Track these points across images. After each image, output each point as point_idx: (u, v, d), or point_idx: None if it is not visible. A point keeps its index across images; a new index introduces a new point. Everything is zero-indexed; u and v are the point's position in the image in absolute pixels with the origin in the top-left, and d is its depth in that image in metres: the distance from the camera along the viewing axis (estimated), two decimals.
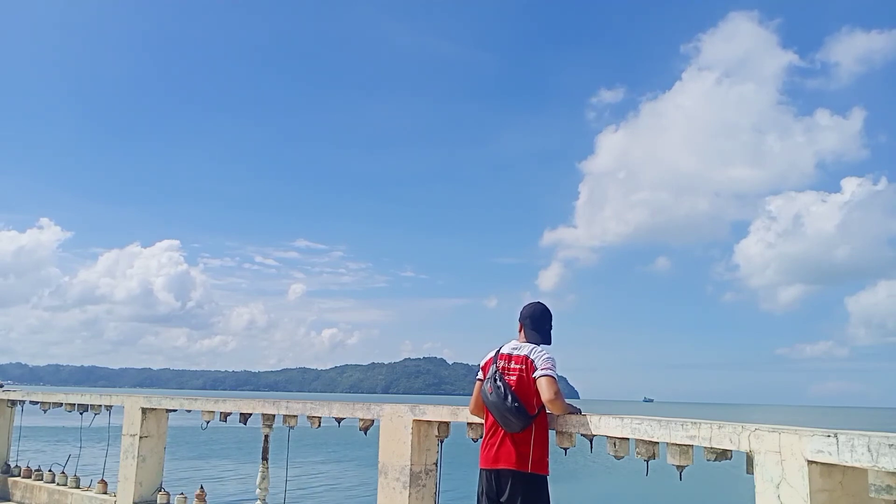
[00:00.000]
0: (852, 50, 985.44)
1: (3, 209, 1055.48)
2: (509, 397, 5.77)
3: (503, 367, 6.01)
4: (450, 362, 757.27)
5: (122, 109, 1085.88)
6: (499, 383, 5.87)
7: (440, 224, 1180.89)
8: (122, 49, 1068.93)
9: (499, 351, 6.18)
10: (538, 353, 5.97)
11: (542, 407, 5.92)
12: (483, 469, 6.02)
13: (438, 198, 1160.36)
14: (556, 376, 5.85)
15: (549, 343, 6.20)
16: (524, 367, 5.93)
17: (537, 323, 6.25)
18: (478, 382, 6.24)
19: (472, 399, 6.41)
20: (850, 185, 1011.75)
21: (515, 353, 6.06)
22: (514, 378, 5.92)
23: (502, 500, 5.81)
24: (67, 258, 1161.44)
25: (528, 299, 6.50)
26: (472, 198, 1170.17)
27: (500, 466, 5.86)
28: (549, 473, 5.92)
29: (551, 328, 6.31)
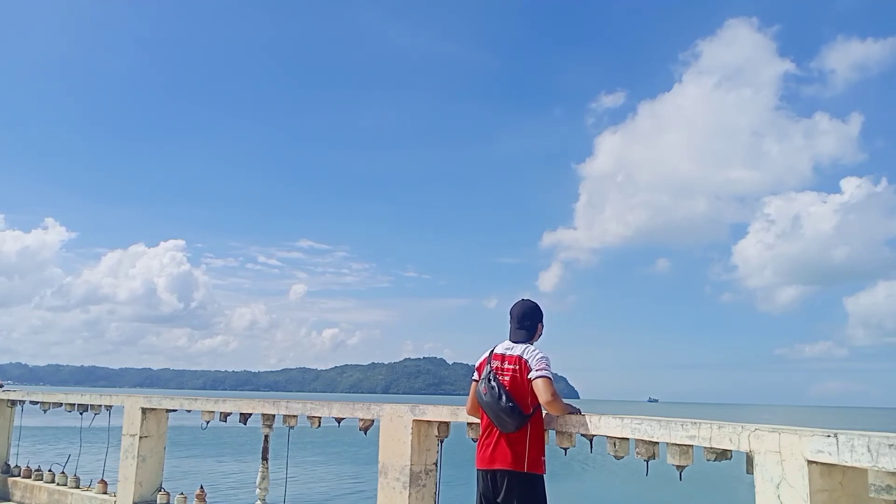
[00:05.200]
0: (848, 57, 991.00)
1: (8, 209, 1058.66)
2: (503, 397, 5.77)
3: (497, 368, 6.01)
4: (450, 362, 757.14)
5: (127, 110, 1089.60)
6: (493, 383, 5.87)
7: (442, 224, 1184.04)
8: (126, 50, 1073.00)
9: (492, 351, 6.18)
10: (532, 353, 5.97)
11: (538, 406, 5.93)
12: (479, 469, 6.04)
13: (440, 198, 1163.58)
14: (551, 377, 5.85)
15: (532, 340, 6.19)
16: (518, 367, 5.93)
17: (521, 321, 6.25)
18: (473, 383, 6.24)
19: (469, 400, 6.42)
20: (850, 185, 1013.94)
21: (509, 353, 6.06)
22: (507, 378, 5.92)
23: (499, 500, 5.83)
24: (71, 258, 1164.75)
25: None
26: (474, 198, 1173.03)
27: (496, 467, 5.87)
28: (546, 473, 5.93)
29: (537, 324, 6.29)
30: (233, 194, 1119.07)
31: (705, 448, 4.89)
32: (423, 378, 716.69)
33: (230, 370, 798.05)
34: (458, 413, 7.25)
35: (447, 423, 7.74)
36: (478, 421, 6.44)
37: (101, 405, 12.39)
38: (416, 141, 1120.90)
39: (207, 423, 10.30)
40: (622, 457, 5.82)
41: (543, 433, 6.02)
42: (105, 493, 11.84)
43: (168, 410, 11.19)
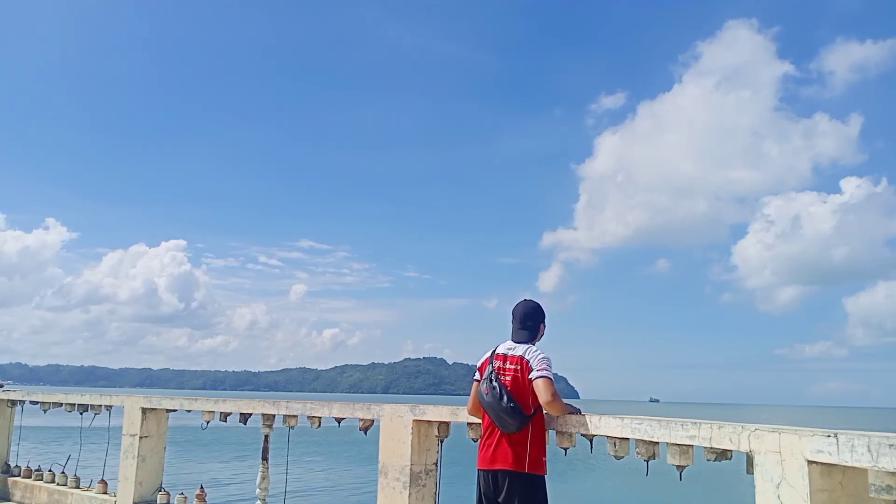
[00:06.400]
0: (847, 59, 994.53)
1: (8, 209, 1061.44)
2: (504, 397, 5.76)
3: (499, 368, 6.00)
4: (450, 362, 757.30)
5: (128, 111, 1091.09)
6: (494, 384, 5.86)
7: (443, 224, 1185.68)
8: (126, 51, 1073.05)
9: (494, 351, 6.17)
10: (533, 354, 5.95)
11: (539, 407, 5.92)
12: (480, 469, 6.03)
13: (440, 198, 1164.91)
14: (552, 377, 5.84)
15: (534, 340, 6.18)
16: (519, 367, 5.92)
17: (524, 321, 6.23)
18: (474, 383, 6.24)
19: (470, 400, 6.42)
20: (850, 185, 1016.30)
21: (510, 353, 6.05)
22: (509, 378, 5.91)
23: (500, 500, 5.82)
24: (72, 258, 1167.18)
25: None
26: (474, 198, 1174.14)
27: (497, 467, 5.86)
28: (547, 473, 5.92)
29: (539, 325, 6.27)
30: (233, 194, 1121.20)
31: (705, 448, 4.89)
32: (423, 378, 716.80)
33: (230, 370, 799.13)
34: (459, 413, 7.25)
35: (447, 423, 7.74)
36: (478, 421, 6.45)
37: (101, 405, 12.40)
38: (416, 141, 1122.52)
39: (207, 423, 10.30)
40: (622, 457, 5.83)
41: (545, 433, 6.00)
42: (105, 493, 11.85)
43: (168, 410, 11.20)
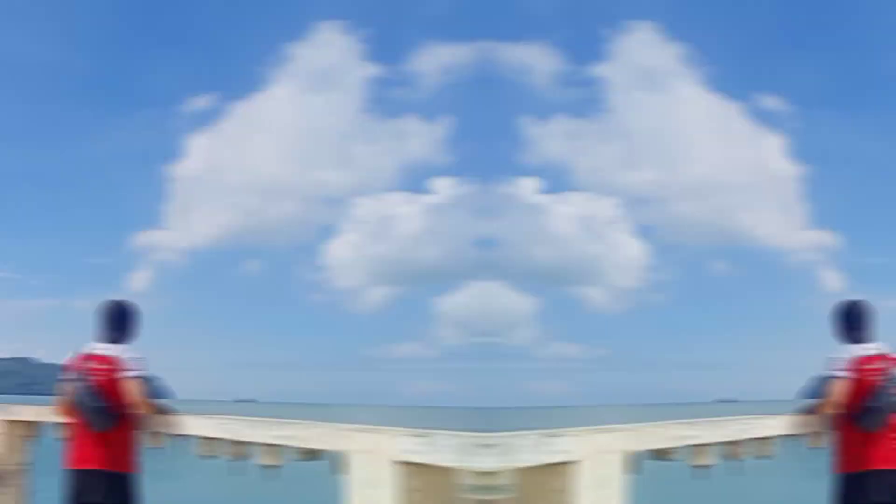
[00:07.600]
0: (436, 61, 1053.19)
1: None
2: (93, 397, 5.79)
3: (89, 368, 5.95)
4: (43, 362, 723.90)
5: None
6: (84, 383, 5.85)
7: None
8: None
9: (85, 351, 6.11)
10: (125, 353, 6.00)
11: (133, 407, 5.90)
12: (72, 469, 5.98)
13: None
14: (143, 377, 5.90)
15: (126, 341, 6.17)
16: (110, 367, 5.91)
17: (115, 321, 6.21)
18: (65, 383, 6.10)
19: (60, 399, 6.23)
20: (440, 185, 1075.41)
21: (101, 353, 6.02)
22: (99, 378, 5.88)
23: (91, 500, 5.83)
24: None
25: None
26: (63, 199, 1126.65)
27: (90, 466, 5.86)
28: (139, 472, 6.04)
29: (130, 325, 6.27)
30: None
31: (297, 448, 5.08)
32: (11, 378, 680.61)
33: None
34: (49, 413, 6.89)
35: (38, 423, 7.39)
36: (70, 421, 6.20)
37: None
38: None
39: None
40: (213, 456, 5.84)
41: (137, 433, 6.04)
42: None
43: None
